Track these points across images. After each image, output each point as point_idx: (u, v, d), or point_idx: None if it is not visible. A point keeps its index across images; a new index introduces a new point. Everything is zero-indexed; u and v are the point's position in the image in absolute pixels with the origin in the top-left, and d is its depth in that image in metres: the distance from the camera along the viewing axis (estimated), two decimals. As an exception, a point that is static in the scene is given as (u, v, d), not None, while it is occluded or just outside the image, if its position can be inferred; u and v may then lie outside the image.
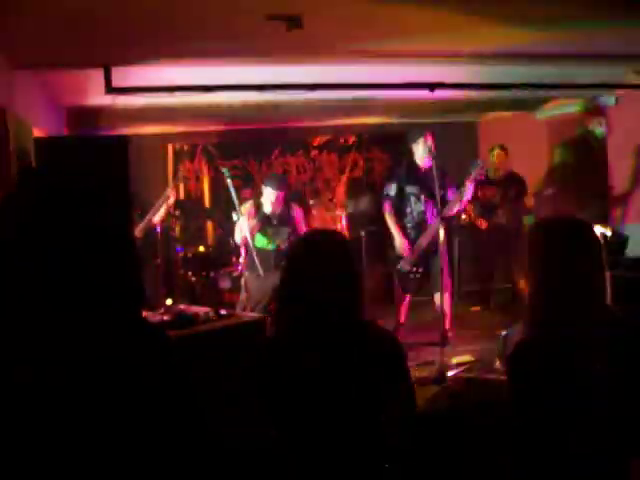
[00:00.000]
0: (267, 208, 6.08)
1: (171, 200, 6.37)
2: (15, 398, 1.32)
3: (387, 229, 6.27)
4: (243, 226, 5.76)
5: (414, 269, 6.07)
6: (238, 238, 6.03)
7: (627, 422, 2.03)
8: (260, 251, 5.91)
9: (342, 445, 2.05)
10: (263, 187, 6.16)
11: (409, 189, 6.18)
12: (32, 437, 1.32)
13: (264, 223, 6.05)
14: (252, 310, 5.62)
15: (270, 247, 6.08)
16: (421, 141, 6.00)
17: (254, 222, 5.98)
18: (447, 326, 6.08)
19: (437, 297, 6.04)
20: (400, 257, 6.12)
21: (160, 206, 6.22)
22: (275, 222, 6.11)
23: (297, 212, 6.29)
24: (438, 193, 5.44)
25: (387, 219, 6.22)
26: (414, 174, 6.20)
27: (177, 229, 8.33)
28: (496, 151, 7.32)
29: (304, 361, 2.09)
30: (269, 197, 6.04)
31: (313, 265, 2.15)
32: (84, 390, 1.35)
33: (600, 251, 2.15)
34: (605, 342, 2.05)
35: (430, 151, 5.75)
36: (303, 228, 6.18)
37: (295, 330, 2.15)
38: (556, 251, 2.13)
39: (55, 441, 1.33)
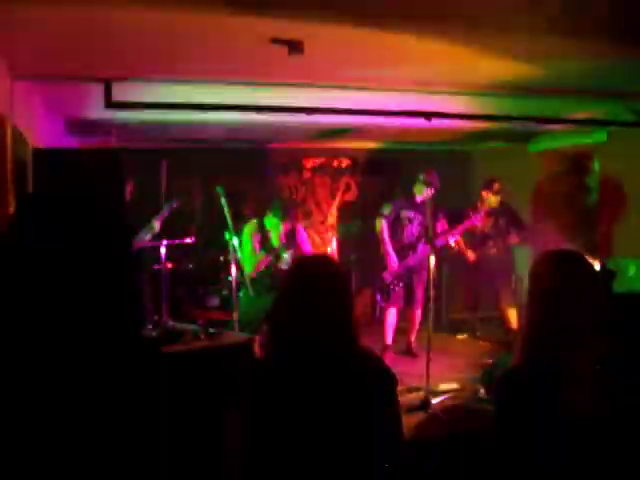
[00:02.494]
0: (275, 240, 6.17)
1: (156, 229, 6.32)
2: (15, 406, 1.32)
3: (377, 250, 6.70)
4: (239, 245, 5.75)
5: (395, 281, 6.57)
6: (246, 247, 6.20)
7: (621, 456, 2.04)
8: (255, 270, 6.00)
9: (331, 472, 2.04)
10: (269, 216, 6.21)
11: (404, 214, 6.65)
12: (29, 441, 1.33)
13: (272, 254, 6.17)
14: (241, 330, 5.60)
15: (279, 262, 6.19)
16: (423, 177, 6.46)
17: (262, 256, 6.10)
18: (412, 338, 6.82)
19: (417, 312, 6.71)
20: (385, 268, 6.59)
21: (146, 235, 6.21)
22: (282, 248, 6.22)
23: (302, 235, 6.41)
24: (430, 224, 5.82)
25: (381, 235, 6.64)
26: (411, 201, 6.66)
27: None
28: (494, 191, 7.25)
29: (296, 389, 2.06)
30: (277, 227, 6.13)
31: (307, 293, 2.12)
32: (80, 400, 1.36)
33: (600, 284, 2.16)
34: (601, 375, 2.06)
35: (429, 185, 6.20)
36: (307, 250, 6.32)
37: (288, 358, 2.11)
38: (559, 283, 2.14)
39: (52, 447, 1.34)
